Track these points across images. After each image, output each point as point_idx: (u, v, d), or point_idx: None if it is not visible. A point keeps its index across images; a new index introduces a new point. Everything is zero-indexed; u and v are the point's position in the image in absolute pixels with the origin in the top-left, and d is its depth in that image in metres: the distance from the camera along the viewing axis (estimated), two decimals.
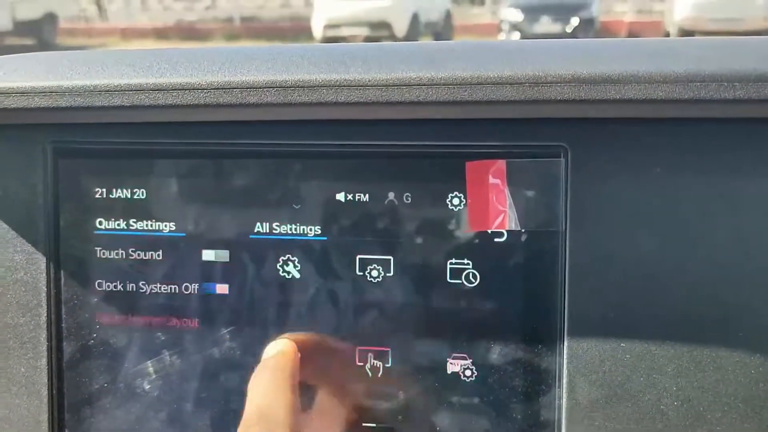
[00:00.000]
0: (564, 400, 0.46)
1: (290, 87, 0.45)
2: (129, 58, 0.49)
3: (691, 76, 0.41)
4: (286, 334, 0.49)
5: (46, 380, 0.51)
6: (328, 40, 10.88)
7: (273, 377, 0.45)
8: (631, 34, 11.83)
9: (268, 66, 0.46)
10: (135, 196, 0.51)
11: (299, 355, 0.47)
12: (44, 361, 0.51)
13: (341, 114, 0.47)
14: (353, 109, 0.45)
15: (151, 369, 0.51)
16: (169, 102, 0.46)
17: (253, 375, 0.45)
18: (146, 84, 0.46)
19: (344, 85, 0.44)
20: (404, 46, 0.49)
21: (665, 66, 0.42)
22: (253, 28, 13.72)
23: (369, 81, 0.44)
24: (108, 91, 0.46)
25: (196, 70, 0.46)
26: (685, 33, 10.28)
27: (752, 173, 0.45)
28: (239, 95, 0.45)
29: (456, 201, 0.48)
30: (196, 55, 0.48)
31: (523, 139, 0.47)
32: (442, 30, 12.01)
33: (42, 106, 0.47)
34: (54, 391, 0.51)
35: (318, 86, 0.45)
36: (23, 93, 0.47)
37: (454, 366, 0.48)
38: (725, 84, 0.41)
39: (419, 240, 0.48)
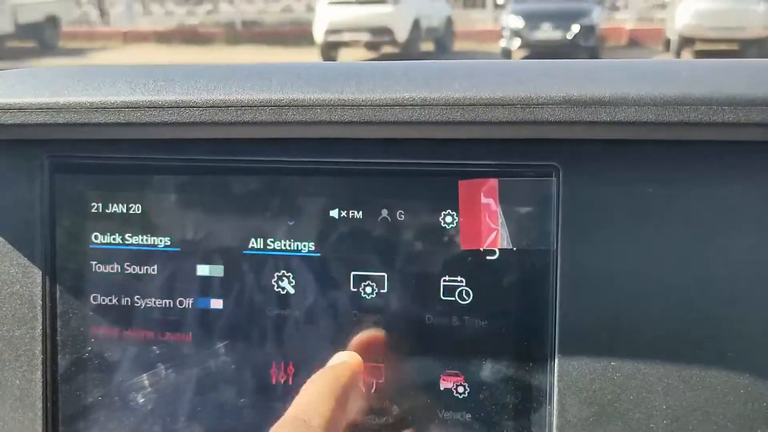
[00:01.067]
0: (554, 417, 0.47)
1: (285, 106, 0.45)
2: (126, 74, 0.49)
3: (681, 100, 0.42)
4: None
5: (41, 393, 0.52)
6: (329, 45, 10.91)
7: (323, 384, 0.44)
8: (632, 42, 11.86)
9: (264, 84, 0.46)
10: (131, 211, 0.51)
11: (362, 369, 0.47)
12: (39, 373, 0.52)
13: (335, 133, 0.47)
14: (347, 128, 0.46)
15: (145, 383, 0.52)
16: (165, 119, 0.46)
17: (310, 378, 0.45)
18: (142, 101, 0.46)
19: (338, 105, 0.45)
20: (399, 65, 0.49)
21: (656, 89, 0.43)
22: (255, 33, 13.75)
23: (363, 101, 0.45)
24: (104, 108, 0.47)
25: (192, 88, 0.47)
26: (686, 41, 10.30)
27: (742, 194, 0.45)
28: (234, 113, 0.46)
29: (449, 219, 0.48)
30: (192, 72, 0.49)
31: (515, 159, 0.47)
32: (443, 36, 12.03)
33: (39, 122, 0.47)
34: (49, 404, 0.52)
35: (312, 105, 0.45)
36: (21, 109, 0.47)
37: (446, 383, 0.49)
38: (715, 107, 0.42)
39: (412, 257, 0.49)
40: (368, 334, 0.49)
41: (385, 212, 0.49)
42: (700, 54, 10.27)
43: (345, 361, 0.47)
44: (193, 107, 0.46)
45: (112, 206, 0.51)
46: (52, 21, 12.52)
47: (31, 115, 0.47)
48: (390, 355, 0.49)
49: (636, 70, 0.46)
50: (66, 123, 0.47)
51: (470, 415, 0.48)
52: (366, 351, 0.49)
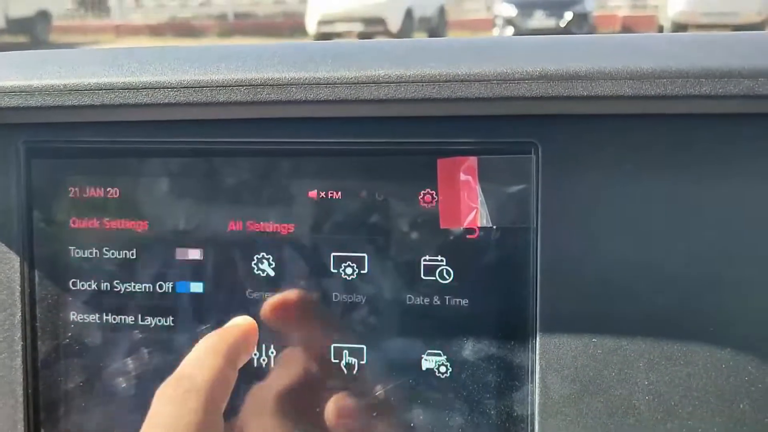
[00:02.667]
0: (537, 395, 0.47)
1: (259, 85, 0.45)
2: (100, 57, 0.49)
3: (657, 73, 0.42)
4: (276, 297, 0.49)
5: (22, 380, 0.51)
6: (321, 36, 10.87)
7: (211, 343, 0.43)
8: (625, 29, 11.85)
9: (238, 64, 0.46)
10: (108, 195, 0.51)
11: (255, 336, 0.46)
12: (19, 360, 0.51)
13: (312, 112, 0.47)
14: (323, 106, 0.45)
15: (126, 368, 0.51)
16: (139, 101, 0.46)
17: (200, 340, 0.44)
18: (116, 83, 0.46)
19: (313, 83, 0.44)
20: (376, 43, 0.49)
21: (632, 62, 0.42)
22: (247, 25, 13.70)
23: (338, 78, 0.44)
24: (78, 90, 0.46)
25: (166, 69, 0.46)
26: (679, 27, 10.29)
27: (722, 169, 0.45)
28: (208, 94, 0.45)
29: (428, 198, 0.48)
30: (167, 54, 0.48)
31: (493, 136, 0.47)
32: (437, 26, 12.00)
33: (12, 105, 0.47)
34: (30, 391, 0.51)
35: (287, 84, 0.45)
36: None
37: (428, 362, 0.48)
38: (691, 80, 0.41)
39: (392, 237, 0.48)
40: (277, 297, 0.49)
41: (364, 192, 0.48)
42: None
43: (236, 323, 0.47)
44: (168, 88, 0.46)
45: (89, 190, 0.51)
46: (44, 15, 12.46)
47: (4, 99, 0.47)
48: (371, 336, 0.49)
49: (613, 44, 0.46)
50: (39, 106, 0.47)
51: (452, 395, 0.48)
52: (276, 314, 0.49)
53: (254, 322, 0.47)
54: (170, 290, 0.51)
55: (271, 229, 0.49)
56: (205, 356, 0.42)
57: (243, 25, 13.74)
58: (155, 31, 13.37)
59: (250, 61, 0.46)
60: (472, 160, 0.47)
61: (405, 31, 10.82)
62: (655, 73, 0.42)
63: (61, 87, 0.46)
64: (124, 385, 0.51)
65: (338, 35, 10.95)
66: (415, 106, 0.45)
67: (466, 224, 0.47)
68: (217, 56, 0.47)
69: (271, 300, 0.49)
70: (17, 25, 11.97)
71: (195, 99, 0.45)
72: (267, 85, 0.45)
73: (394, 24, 10.71)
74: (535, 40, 0.48)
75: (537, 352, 0.47)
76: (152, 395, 0.51)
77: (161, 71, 0.46)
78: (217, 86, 0.45)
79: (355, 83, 0.44)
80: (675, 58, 0.42)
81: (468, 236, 0.48)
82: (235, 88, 0.45)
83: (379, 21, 10.71)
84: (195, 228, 0.50)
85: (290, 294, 0.49)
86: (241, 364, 0.44)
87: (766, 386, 0.45)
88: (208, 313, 0.50)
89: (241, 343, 0.45)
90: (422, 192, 0.48)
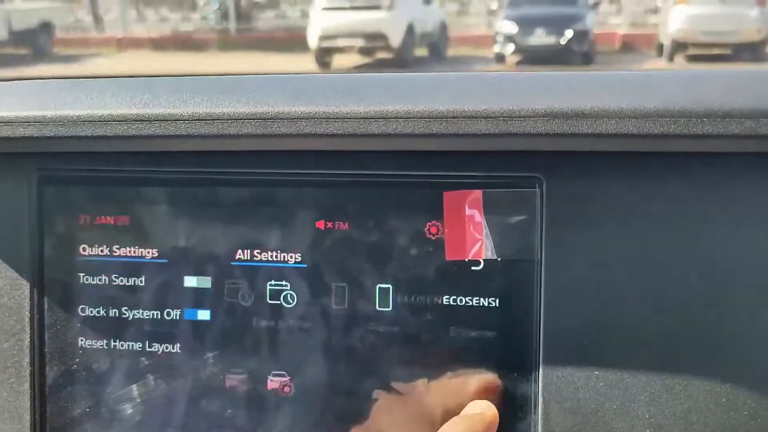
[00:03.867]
0: (539, 427, 0.47)
1: (270, 119, 0.46)
2: (113, 87, 0.49)
3: (660, 112, 0.42)
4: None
5: (29, 405, 0.52)
6: (323, 51, 10.90)
7: (460, 425, 0.44)
8: (625, 46, 11.89)
9: (249, 97, 0.47)
10: (118, 223, 0.51)
11: (497, 421, 0.46)
12: (27, 385, 0.52)
13: (321, 145, 0.48)
14: (333, 140, 0.46)
15: (133, 394, 0.52)
16: (152, 132, 0.47)
17: (442, 427, 0.44)
18: (129, 115, 0.47)
19: (323, 117, 0.45)
20: (384, 78, 0.50)
21: (636, 101, 0.43)
22: (249, 39, 13.75)
23: (347, 113, 0.45)
24: (92, 121, 0.47)
25: (178, 101, 0.47)
26: (678, 45, 10.33)
27: (722, 204, 0.46)
28: (220, 126, 0.46)
29: (434, 230, 0.48)
30: (179, 85, 0.49)
31: (499, 170, 0.48)
32: (438, 41, 12.05)
33: (27, 135, 0.48)
34: (37, 416, 0.52)
35: (297, 118, 0.45)
36: (8, 122, 0.48)
37: None
38: (694, 120, 0.42)
39: (398, 268, 0.49)
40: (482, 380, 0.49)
41: (370, 223, 0.49)
42: (693, 58, 10.30)
43: (481, 412, 0.46)
44: (179, 120, 0.46)
45: (99, 218, 0.52)
46: (46, 27, 12.51)
47: (19, 129, 0.48)
48: (376, 368, 0.49)
49: (617, 81, 0.47)
50: (53, 136, 0.48)
51: None
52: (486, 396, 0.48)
53: (496, 411, 0.47)
54: (178, 317, 0.51)
55: (279, 258, 0.50)
56: None
57: (244, 39, 13.79)
58: (157, 44, 13.42)
59: (261, 95, 0.47)
60: (478, 194, 0.48)
61: (406, 47, 10.86)
62: (658, 112, 0.42)
63: (75, 118, 0.47)
64: (130, 411, 0.52)
65: (339, 50, 10.99)
66: (423, 140, 0.45)
67: (471, 256, 0.48)
68: (228, 88, 0.48)
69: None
70: (20, 37, 12.02)
71: (206, 131, 0.46)
72: (277, 118, 0.46)
73: (395, 40, 10.74)
74: (540, 77, 0.49)
75: (540, 384, 0.47)
76: (158, 421, 0.51)
77: (173, 103, 0.47)
78: (228, 119, 0.46)
79: (364, 118, 0.45)
80: (678, 97, 0.43)
81: (473, 268, 0.48)
82: (246, 121, 0.46)
83: (381, 36, 10.75)
84: (203, 256, 0.51)
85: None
86: None
87: (765, 421, 0.45)
88: (214, 341, 0.51)
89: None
90: (428, 224, 0.48)
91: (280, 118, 0.46)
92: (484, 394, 0.48)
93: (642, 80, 0.47)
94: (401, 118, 0.45)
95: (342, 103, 0.46)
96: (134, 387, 0.52)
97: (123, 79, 0.52)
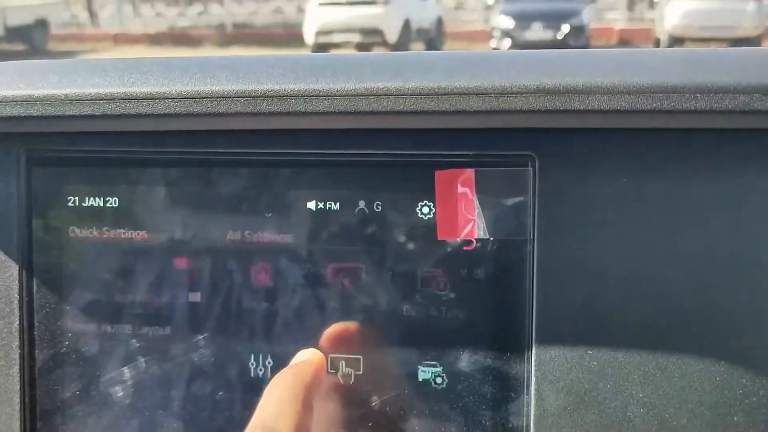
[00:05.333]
0: (532, 407, 0.47)
1: (259, 96, 0.45)
2: (101, 67, 0.49)
3: (653, 88, 0.42)
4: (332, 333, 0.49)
5: (18, 388, 0.51)
6: (319, 46, 10.90)
7: (286, 387, 0.43)
8: (622, 42, 11.90)
9: (239, 76, 0.46)
10: (107, 204, 0.51)
11: (325, 369, 0.46)
12: (16, 368, 0.51)
13: (311, 123, 0.47)
14: (323, 118, 0.46)
15: (123, 377, 0.51)
16: (140, 111, 0.46)
17: (271, 381, 0.44)
18: (117, 93, 0.46)
19: (313, 95, 0.45)
20: (374, 56, 0.49)
21: (629, 77, 0.43)
22: (245, 35, 13.74)
23: (337, 91, 0.45)
24: (79, 100, 0.47)
25: (166, 80, 0.47)
26: (676, 40, 10.34)
27: (717, 183, 0.46)
28: (209, 104, 0.46)
29: (425, 210, 0.48)
30: (168, 64, 0.49)
31: (491, 149, 0.47)
32: (434, 37, 12.05)
33: (14, 114, 0.47)
34: (26, 399, 0.51)
35: (286, 96, 0.45)
36: None
37: (424, 373, 0.49)
38: (686, 95, 0.42)
39: (390, 248, 0.49)
40: (339, 326, 0.49)
41: (362, 203, 0.49)
42: None
43: (308, 359, 0.46)
44: (168, 99, 0.46)
45: (88, 200, 0.51)
46: (42, 24, 12.48)
47: (6, 108, 0.47)
48: (368, 347, 0.49)
49: (609, 59, 0.46)
50: (41, 115, 0.47)
51: (448, 406, 0.48)
52: (337, 343, 0.49)
53: (323, 356, 0.47)
54: (168, 300, 0.51)
55: (269, 239, 0.50)
56: (287, 406, 0.41)
57: (241, 34, 13.77)
58: (153, 40, 13.39)
59: (250, 73, 0.46)
60: (470, 173, 0.47)
61: (402, 42, 10.86)
62: (650, 88, 0.42)
63: (62, 97, 0.47)
64: (120, 393, 0.51)
65: (336, 46, 10.99)
66: (414, 118, 0.45)
67: (463, 236, 0.48)
68: (217, 67, 0.48)
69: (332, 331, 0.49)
70: (15, 34, 11.99)
71: (195, 110, 0.46)
72: (267, 96, 0.45)
73: (392, 35, 10.75)
74: (531, 54, 0.48)
75: (533, 364, 0.47)
76: (149, 404, 0.51)
77: (161, 82, 0.47)
78: (217, 97, 0.46)
79: (353, 95, 0.44)
80: (670, 73, 0.43)
81: (465, 248, 0.48)
82: (235, 99, 0.45)
83: (377, 32, 10.75)
84: (193, 237, 0.50)
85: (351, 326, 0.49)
86: (316, 403, 0.43)
87: (760, 399, 0.45)
88: (205, 323, 0.50)
89: (315, 381, 0.44)
90: (420, 203, 0.48)
91: (270, 96, 0.45)
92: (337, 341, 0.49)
93: (634, 57, 0.47)
94: (392, 95, 0.44)
95: (332, 81, 0.45)
96: (125, 370, 0.51)
97: (111, 59, 0.52)
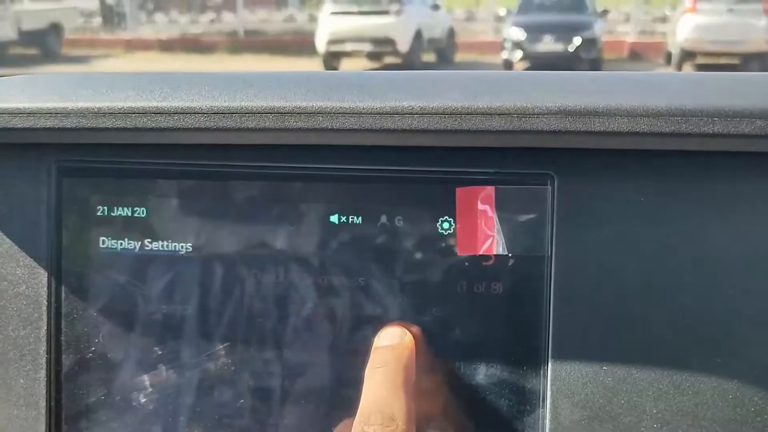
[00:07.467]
0: (547, 420, 0.48)
1: (287, 113, 0.46)
2: (133, 81, 0.50)
3: (672, 111, 0.43)
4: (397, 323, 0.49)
5: (45, 392, 0.53)
6: (331, 55, 10.94)
7: (392, 371, 0.44)
8: (633, 55, 11.89)
9: (267, 92, 0.48)
10: (135, 215, 0.52)
11: (414, 348, 0.47)
12: (43, 373, 0.53)
13: (337, 140, 0.49)
14: (348, 135, 0.47)
15: (147, 383, 0.53)
16: (170, 125, 0.48)
17: (369, 364, 0.45)
18: (149, 107, 0.48)
19: (339, 112, 0.46)
20: (399, 75, 0.50)
21: (649, 100, 0.44)
22: (257, 42, 13.80)
23: (363, 109, 0.46)
24: (112, 113, 0.48)
25: (197, 95, 0.48)
26: (687, 54, 10.34)
27: (735, 205, 0.46)
28: (238, 120, 0.47)
29: (446, 225, 0.49)
30: (197, 79, 0.50)
31: (511, 167, 0.48)
32: (445, 47, 12.07)
33: (48, 126, 0.49)
34: (52, 403, 0.53)
35: (314, 113, 0.46)
36: (30, 114, 0.49)
37: None
38: (705, 119, 0.43)
39: (410, 262, 0.50)
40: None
41: (384, 218, 0.50)
42: (701, 67, 10.30)
43: (403, 342, 0.47)
44: (199, 113, 0.47)
45: (117, 210, 0.52)
46: (56, 28, 12.57)
47: (40, 120, 0.49)
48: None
49: (630, 82, 0.48)
50: (74, 128, 0.48)
51: (465, 418, 0.49)
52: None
53: (410, 334, 0.47)
54: (192, 309, 0.52)
55: (293, 252, 0.51)
56: (398, 390, 0.43)
57: (253, 42, 13.84)
58: (165, 46, 13.47)
59: (278, 90, 0.48)
60: (490, 190, 0.49)
61: (414, 52, 10.88)
62: (670, 111, 0.43)
63: (96, 110, 0.48)
64: (144, 399, 0.52)
65: (347, 54, 11.02)
66: (436, 136, 0.46)
67: (482, 251, 0.49)
68: (247, 83, 0.49)
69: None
70: (29, 38, 12.08)
71: (225, 124, 0.47)
72: (295, 113, 0.46)
73: (403, 45, 10.77)
74: (551, 76, 0.50)
75: (549, 378, 0.48)
76: (171, 410, 0.52)
77: (192, 97, 0.48)
78: (247, 113, 0.47)
79: (379, 113, 0.46)
80: (689, 97, 0.44)
81: (484, 263, 0.49)
82: (263, 115, 0.47)
83: (389, 41, 10.78)
84: (220, 248, 0.52)
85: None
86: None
87: None
88: (228, 333, 0.52)
89: (412, 364, 0.45)
90: (440, 219, 0.49)
91: (297, 113, 0.46)
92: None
93: (654, 81, 0.48)
94: (416, 114, 0.45)
95: (358, 98, 0.46)
96: (148, 376, 0.52)
97: (142, 73, 0.53)
